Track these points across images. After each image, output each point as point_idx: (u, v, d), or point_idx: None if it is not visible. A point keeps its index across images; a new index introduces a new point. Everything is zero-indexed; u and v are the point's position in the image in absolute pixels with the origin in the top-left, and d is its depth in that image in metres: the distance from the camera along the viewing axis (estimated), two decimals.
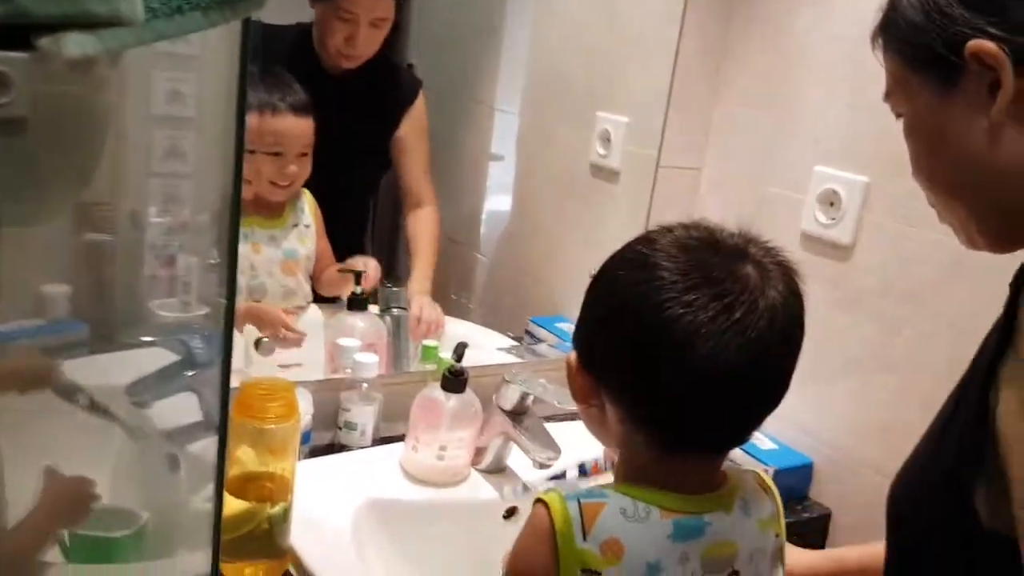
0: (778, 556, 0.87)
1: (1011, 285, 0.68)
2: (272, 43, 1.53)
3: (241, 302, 1.49)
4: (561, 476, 1.22)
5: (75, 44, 0.48)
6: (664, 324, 0.75)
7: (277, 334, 1.49)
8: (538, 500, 0.81)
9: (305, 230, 1.56)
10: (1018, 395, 0.66)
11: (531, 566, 0.80)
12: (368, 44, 1.56)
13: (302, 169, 1.50)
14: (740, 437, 0.83)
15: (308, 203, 1.57)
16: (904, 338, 1.38)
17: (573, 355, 0.85)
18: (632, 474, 0.83)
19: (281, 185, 1.49)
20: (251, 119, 1.41)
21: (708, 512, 0.80)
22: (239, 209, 0.84)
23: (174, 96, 0.96)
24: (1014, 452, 0.65)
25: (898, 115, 0.82)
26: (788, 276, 0.80)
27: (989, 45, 0.70)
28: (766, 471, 1.41)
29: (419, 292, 1.65)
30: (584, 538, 0.77)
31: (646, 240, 0.82)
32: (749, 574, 0.83)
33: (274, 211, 1.53)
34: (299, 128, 1.47)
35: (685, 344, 0.74)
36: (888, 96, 0.82)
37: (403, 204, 1.73)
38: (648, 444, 0.81)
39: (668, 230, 0.83)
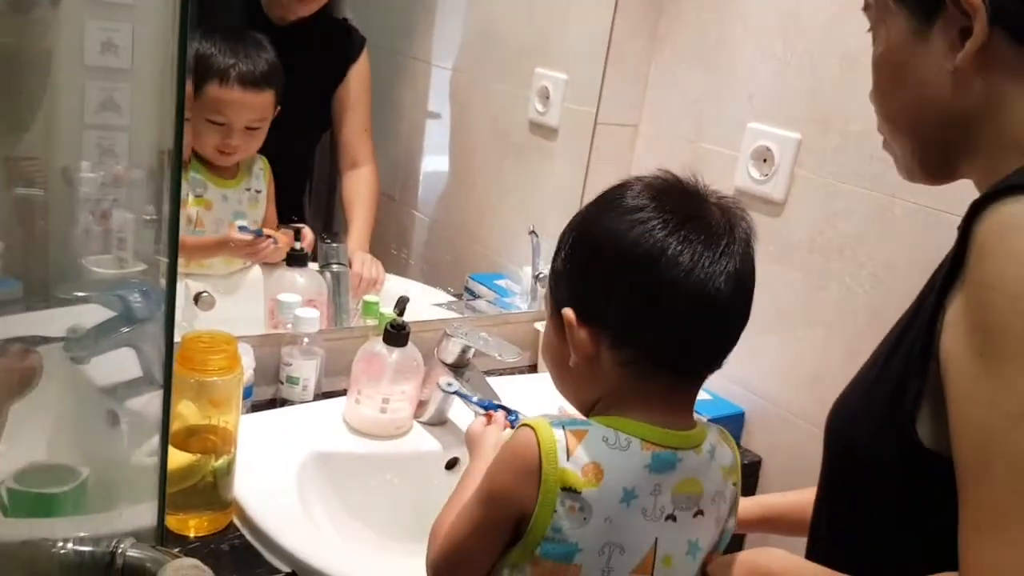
0: (734, 505, 0.92)
1: (964, 221, 0.70)
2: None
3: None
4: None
5: None
6: (671, 260, 0.80)
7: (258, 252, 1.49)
8: (523, 425, 0.84)
9: (256, 195, 1.54)
10: (959, 315, 0.69)
11: (508, 480, 0.82)
12: None
13: (247, 142, 1.47)
14: (721, 360, 0.89)
15: (263, 168, 1.56)
16: (831, 291, 1.43)
17: (570, 312, 0.86)
18: (613, 410, 0.86)
19: (226, 153, 1.47)
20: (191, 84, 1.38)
21: (682, 449, 0.84)
22: (180, 165, 0.84)
23: (108, 46, 0.95)
24: (951, 369, 0.69)
25: (870, 29, 0.84)
26: (741, 211, 0.87)
27: None
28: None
29: (359, 248, 1.65)
30: (567, 458, 0.80)
31: (619, 190, 0.87)
32: (712, 515, 0.87)
33: (228, 171, 1.52)
34: (247, 102, 1.43)
35: (691, 272, 0.80)
36: (866, 8, 0.84)
37: (340, 162, 1.72)
38: (654, 376, 0.84)
39: (636, 179, 0.88)
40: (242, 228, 1.49)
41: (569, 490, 0.79)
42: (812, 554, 0.89)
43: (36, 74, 0.71)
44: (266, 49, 1.45)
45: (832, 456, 0.86)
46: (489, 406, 1.19)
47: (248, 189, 1.54)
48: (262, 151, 1.56)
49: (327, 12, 1.61)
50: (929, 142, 0.81)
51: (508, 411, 1.15)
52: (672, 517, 0.83)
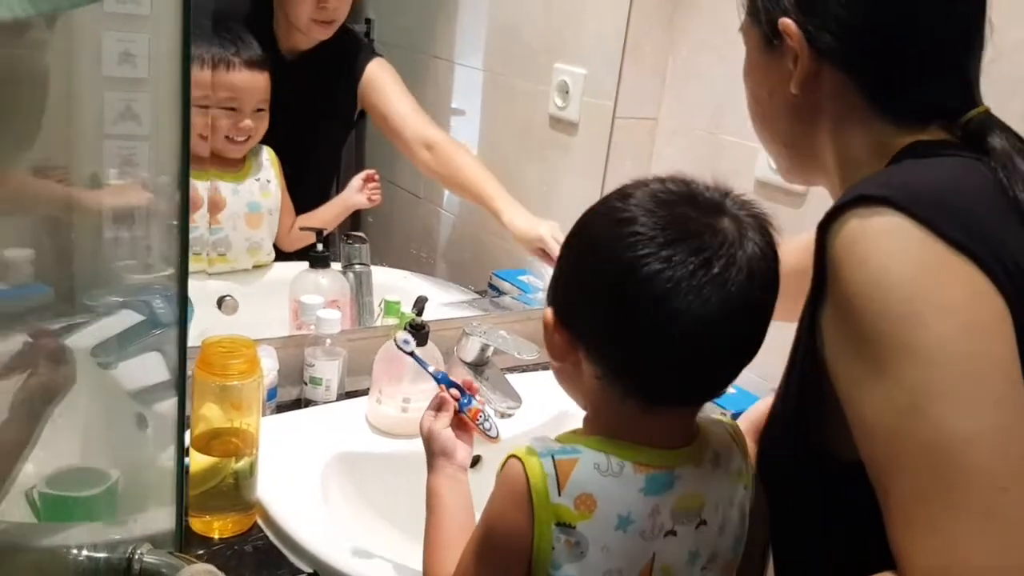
0: (745, 509, 0.88)
1: (816, 241, 0.75)
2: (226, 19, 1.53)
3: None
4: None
5: (4, 7, 0.49)
6: (643, 280, 0.74)
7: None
8: (511, 456, 0.80)
9: (267, 184, 1.56)
10: (833, 329, 0.73)
11: (506, 522, 0.80)
12: (341, 5, 1.56)
13: (258, 124, 1.50)
14: (716, 390, 0.83)
15: (269, 158, 1.57)
16: None
17: (549, 312, 0.83)
18: (605, 429, 0.82)
19: (237, 140, 1.50)
20: (205, 74, 1.41)
21: (679, 466, 0.81)
22: (188, 167, 0.85)
23: (126, 57, 0.96)
24: (839, 379, 0.73)
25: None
26: (764, 229, 0.79)
27: (792, 26, 0.80)
28: (724, 414, 1.45)
29: (530, 221, 1.66)
30: (559, 493, 0.77)
31: (621, 195, 0.80)
32: (716, 523, 0.84)
33: (234, 165, 1.54)
34: (254, 82, 1.48)
35: (664, 299, 0.74)
36: (741, 28, 0.90)
37: (410, 155, 1.71)
38: (623, 400, 0.80)
39: (643, 184, 0.81)
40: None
41: (563, 525, 0.77)
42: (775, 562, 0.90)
43: (35, 92, 0.73)
44: (249, 37, 1.49)
45: (762, 472, 0.88)
46: (444, 380, 1.10)
47: (257, 179, 1.56)
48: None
49: (337, 36, 1.63)
50: (789, 147, 0.89)
51: (461, 392, 1.07)
52: (672, 532, 0.81)
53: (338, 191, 1.77)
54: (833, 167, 0.85)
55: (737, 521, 0.87)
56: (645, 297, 0.74)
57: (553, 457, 0.78)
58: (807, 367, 0.76)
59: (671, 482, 0.80)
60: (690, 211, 0.77)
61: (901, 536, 0.67)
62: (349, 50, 1.69)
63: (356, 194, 1.64)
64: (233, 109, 1.47)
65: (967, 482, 0.65)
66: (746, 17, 0.87)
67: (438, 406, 1.05)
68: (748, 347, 0.80)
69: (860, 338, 0.70)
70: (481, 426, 1.11)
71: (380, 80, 1.69)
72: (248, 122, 1.48)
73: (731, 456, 0.86)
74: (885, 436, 0.68)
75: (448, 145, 1.70)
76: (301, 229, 1.59)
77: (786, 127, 0.87)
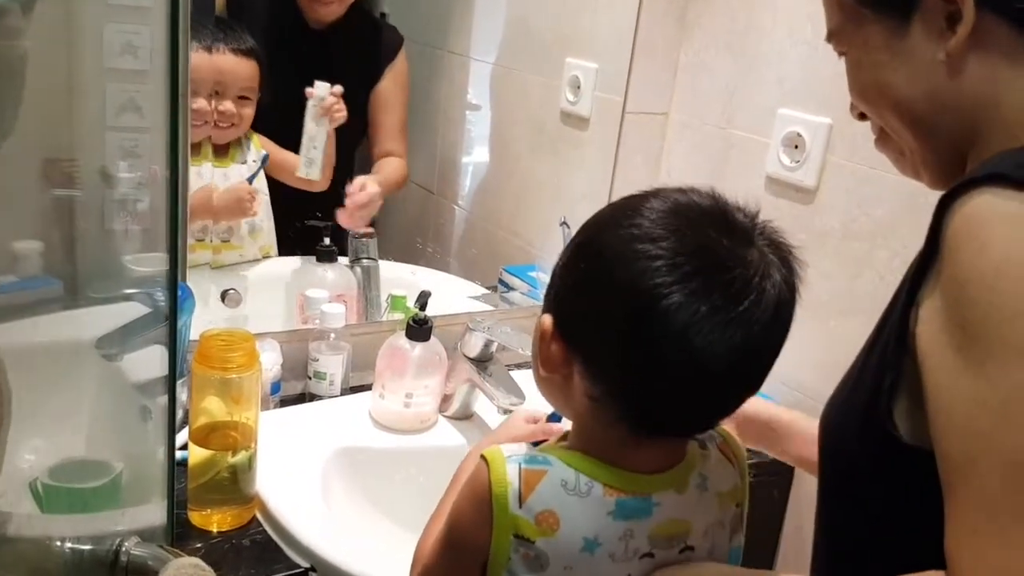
0: (737, 525, 0.85)
1: (934, 215, 0.68)
2: None
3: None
4: None
5: None
6: (663, 311, 0.69)
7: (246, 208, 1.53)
8: (481, 456, 0.78)
9: (253, 166, 1.56)
10: (934, 311, 0.67)
11: (466, 522, 0.79)
12: None
13: (242, 111, 1.50)
14: (717, 421, 0.80)
15: (254, 143, 1.58)
16: (864, 279, 1.39)
17: (548, 320, 0.77)
18: (583, 445, 0.79)
19: (221, 126, 1.49)
20: (193, 58, 1.41)
21: (657, 492, 0.77)
22: (178, 169, 0.85)
23: (128, 49, 0.96)
24: (929, 366, 0.67)
25: (841, 54, 0.82)
26: (788, 263, 0.75)
27: None
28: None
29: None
30: (519, 505, 0.75)
31: (638, 203, 0.75)
32: (704, 548, 0.80)
33: (221, 151, 1.54)
34: (238, 68, 1.48)
35: (684, 334, 0.69)
36: (832, 36, 0.81)
37: (372, 157, 1.73)
38: (614, 423, 0.76)
39: (664, 193, 0.76)
40: None
41: (521, 538, 0.75)
42: (815, 555, 0.87)
43: (12, 79, 0.72)
44: (244, 31, 1.50)
45: (824, 454, 0.84)
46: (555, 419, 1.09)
47: (244, 163, 1.56)
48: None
49: (364, 11, 1.63)
50: (931, 139, 0.77)
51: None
52: (649, 555, 0.77)
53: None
54: (981, 149, 0.75)
55: (728, 541, 0.84)
56: (663, 329, 0.70)
57: (520, 465, 0.76)
58: (892, 346, 0.71)
59: (648, 508, 0.77)
60: (718, 235, 0.72)
61: (961, 540, 0.63)
62: (378, 28, 1.70)
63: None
64: (217, 93, 1.47)
65: None
66: (854, 5, 0.78)
67: (536, 420, 1.07)
68: (759, 381, 0.77)
69: (964, 326, 0.64)
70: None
71: (397, 80, 1.70)
72: (229, 105, 1.48)
73: (722, 475, 0.83)
74: (968, 434, 0.63)
75: (394, 159, 1.72)
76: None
77: (933, 107, 0.75)
